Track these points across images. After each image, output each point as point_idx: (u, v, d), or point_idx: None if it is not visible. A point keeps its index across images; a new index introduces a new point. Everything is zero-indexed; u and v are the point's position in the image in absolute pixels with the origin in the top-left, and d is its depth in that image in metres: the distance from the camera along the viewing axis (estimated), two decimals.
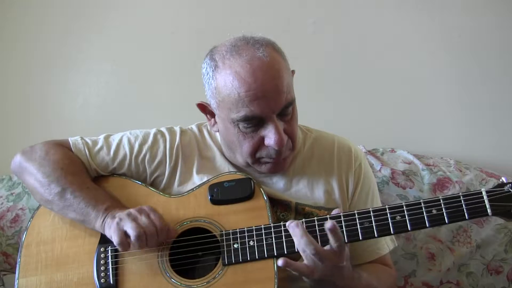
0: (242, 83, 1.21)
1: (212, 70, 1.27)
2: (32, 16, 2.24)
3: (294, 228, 1.18)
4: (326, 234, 1.18)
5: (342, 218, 1.20)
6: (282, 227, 1.24)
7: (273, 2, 2.15)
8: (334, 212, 1.23)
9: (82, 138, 1.44)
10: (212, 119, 1.38)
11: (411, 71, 2.09)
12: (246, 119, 1.24)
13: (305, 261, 1.17)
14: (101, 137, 1.45)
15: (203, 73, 1.32)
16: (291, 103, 1.27)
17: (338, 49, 2.13)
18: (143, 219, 1.24)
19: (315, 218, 1.22)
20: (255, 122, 1.26)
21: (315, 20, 2.12)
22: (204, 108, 1.37)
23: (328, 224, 1.15)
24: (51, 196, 1.33)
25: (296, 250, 1.20)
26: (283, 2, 2.15)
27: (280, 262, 1.17)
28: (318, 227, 1.21)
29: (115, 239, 1.23)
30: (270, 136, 1.25)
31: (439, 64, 2.08)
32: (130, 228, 1.22)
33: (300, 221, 1.20)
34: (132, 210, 1.26)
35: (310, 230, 1.21)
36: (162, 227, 1.24)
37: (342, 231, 1.19)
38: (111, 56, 2.23)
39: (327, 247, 1.17)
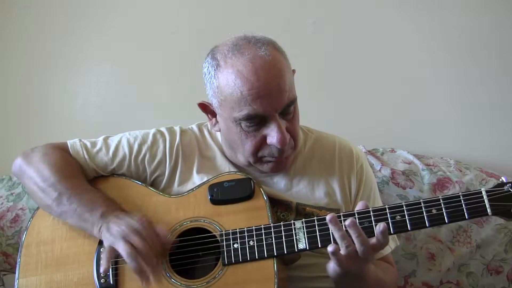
0: (244, 82, 1.21)
1: (214, 69, 1.27)
2: (32, 16, 2.24)
3: (348, 222, 1.15)
4: (326, 234, 1.19)
5: (342, 218, 1.20)
6: (282, 227, 1.24)
7: (273, 2, 2.15)
8: (328, 217, 1.20)
9: (80, 140, 1.44)
10: (213, 119, 1.38)
11: (411, 71, 2.09)
12: (249, 118, 1.24)
13: (344, 253, 1.15)
14: (100, 138, 1.45)
15: (204, 73, 1.32)
16: (293, 101, 1.28)
17: (338, 49, 2.13)
18: (136, 241, 1.18)
19: (315, 218, 1.22)
20: (257, 121, 1.26)
21: (315, 20, 2.12)
22: (205, 107, 1.37)
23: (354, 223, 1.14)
24: (49, 201, 1.33)
25: (296, 250, 1.21)
26: (283, 2, 2.15)
27: (328, 216, 1.15)
28: (318, 227, 1.21)
29: (108, 259, 1.22)
30: (272, 135, 1.25)
31: (439, 64, 2.07)
32: (123, 251, 1.18)
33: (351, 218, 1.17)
34: (124, 228, 1.21)
35: (310, 230, 1.21)
36: (155, 243, 1.20)
37: None
38: (111, 56, 2.23)
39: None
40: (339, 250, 1.15)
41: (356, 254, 1.14)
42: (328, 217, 1.15)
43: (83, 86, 2.25)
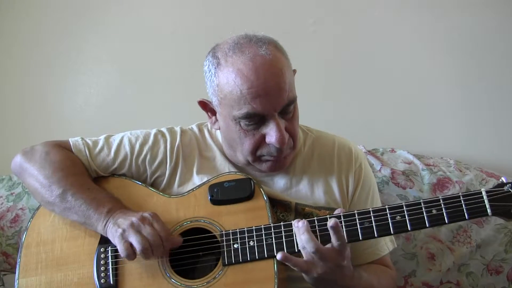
0: (244, 80, 1.21)
1: (215, 68, 1.28)
2: (32, 16, 2.24)
3: (297, 225, 1.19)
4: (326, 234, 1.18)
5: (342, 218, 1.20)
6: (282, 227, 1.24)
7: (273, 2, 2.15)
8: (336, 212, 1.23)
9: (82, 139, 1.44)
10: (213, 117, 1.38)
11: (411, 71, 2.09)
12: (248, 117, 1.24)
13: (305, 258, 1.17)
14: (102, 137, 1.45)
15: (205, 71, 1.32)
16: (293, 101, 1.28)
17: (338, 49, 2.13)
18: (147, 230, 1.23)
19: (315, 218, 1.22)
20: (256, 120, 1.26)
21: (315, 20, 2.12)
22: (205, 105, 1.37)
23: (331, 222, 1.15)
24: (52, 198, 1.33)
25: (296, 250, 1.21)
26: (283, 2, 2.15)
27: (279, 255, 1.17)
28: (318, 227, 1.21)
29: (121, 250, 1.24)
30: (271, 134, 1.25)
31: (439, 64, 2.07)
32: (135, 241, 1.22)
33: (304, 220, 1.20)
34: (134, 219, 1.25)
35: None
36: (166, 236, 1.24)
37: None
38: (111, 56, 2.24)
39: (328, 246, 1.17)
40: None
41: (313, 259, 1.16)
42: (330, 223, 1.15)
43: (83, 86, 2.25)
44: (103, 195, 1.34)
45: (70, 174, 1.35)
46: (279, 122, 1.25)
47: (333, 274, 1.18)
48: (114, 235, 1.25)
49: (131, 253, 1.23)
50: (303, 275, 1.20)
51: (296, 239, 1.20)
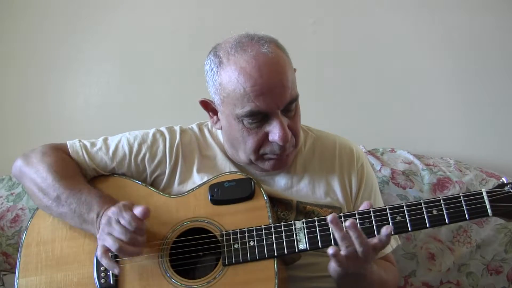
0: (247, 78, 1.22)
1: (217, 67, 1.28)
2: (32, 16, 2.24)
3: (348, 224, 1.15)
4: (327, 235, 1.19)
5: (342, 219, 1.20)
6: (283, 227, 1.24)
7: (273, 2, 2.15)
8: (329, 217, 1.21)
9: (80, 141, 1.44)
10: (215, 116, 1.38)
11: (411, 71, 2.09)
12: (251, 114, 1.25)
13: (344, 253, 1.15)
14: (100, 139, 1.45)
15: (206, 70, 1.32)
16: (295, 99, 1.28)
17: (338, 49, 2.13)
18: (116, 229, 1.20)
19: (316, 218, 1.22)
20: (259, 118, 1.26)
21: (315, 20, 2.12)
22: (206, 105, 1.36)
23: (350, 221, 1.13)
24: (49, 202, 1.33)
25: (296, 250, 1.21)
26: (283, 2, 2.15)
27: (329, 217, 1.14)
28: (319, 227, 1.21)
29: (98, 256, 1.23)
30: (274, 132, 1.26)
31: (439, 64, 2.08)
32: (109, 246, 1.20)
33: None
34: (103, 221, 1.22)
35: (310, 230, 1.21)
36: (136, 226, 1.20)
37: None
38: (111, 56, 2.24)
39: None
40: (340, 251, 1.15)
41: (356, 254, 1.14)
42: (329, 218, 1.15)
43: (83, 86, 2.25)
44: (92, 196, 1.31)
45: (62, 177, 1.34)
46: (282, 120, 1.25)
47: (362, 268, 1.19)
48: (99, 238, 1.24)
49: (107, 256, 1.22)
50: (332, 268, 1.19)
51: (333, 234, 1.17)
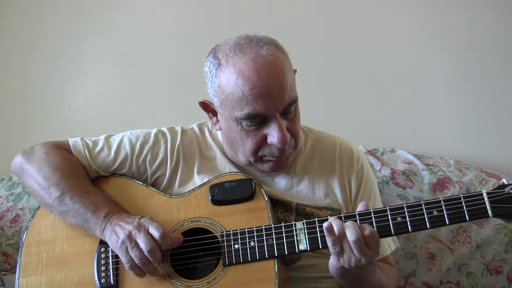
0: (246, 81, 1.21)
1: (216, 68, 1.27)
2: (32, 16, 2.24)
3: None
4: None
5: (343, 220, 1.20)
6: (283, 227, 1.24)
7: (273, 2, 2.15)
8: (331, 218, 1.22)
9: (82, 139, 1.43)
10: (214, 118, 1.37)
11: (411, 71, 2.09)
12: (250, 117, 1.24)
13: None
14: (102, 137, 1.45)
15: (205, 71, 1.32)
16: (294, 101, 1.28)
17: (338, 49, 2.13)
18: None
19: (316, 219, 1.23)
20: (258, 120, 1.26)
21: (315, 20, 2.12)
22: (206, 106, 1.36)
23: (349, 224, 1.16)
24: (51, 200, 1.33)
25: (297, 251, 1.21)
26: (283, 2, 2.15)
27: (325, 224, 1.17)
28: (319, 228, 1.21)
29: (125, 262, 1.24)
30: (273, 134, 1.25)
31: (439, 64, 2.08)
32: (134, 256, 1.22)
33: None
34: (123, 237, 1.23)
35: (311, 231, 1.22)
36: (164, 239, 1.22)
37: None
38: (111, 56, 2.23)
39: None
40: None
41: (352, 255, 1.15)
42: (324, 225, 1.16)
43: (83, 86, 2.25)
44: (100, 198, 1.33)
45: (68, 176, 1.34)
46: (281, 123, 1.25)
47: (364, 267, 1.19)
48: (114, 246, 1.25)
49: (135, 266, 1.23)
50: (331, 265, 1.20)
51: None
